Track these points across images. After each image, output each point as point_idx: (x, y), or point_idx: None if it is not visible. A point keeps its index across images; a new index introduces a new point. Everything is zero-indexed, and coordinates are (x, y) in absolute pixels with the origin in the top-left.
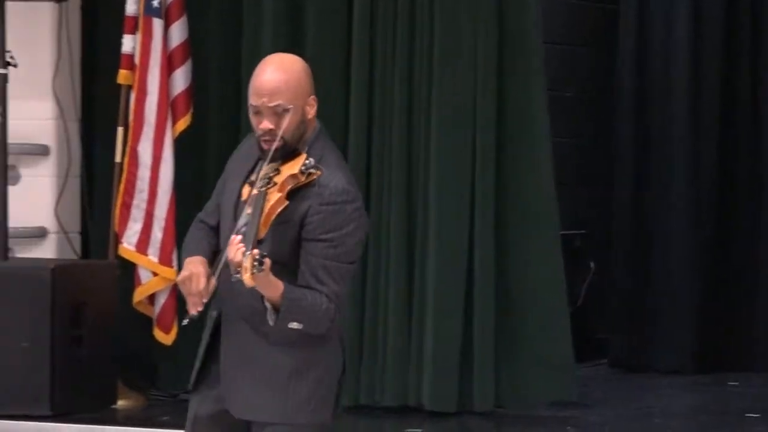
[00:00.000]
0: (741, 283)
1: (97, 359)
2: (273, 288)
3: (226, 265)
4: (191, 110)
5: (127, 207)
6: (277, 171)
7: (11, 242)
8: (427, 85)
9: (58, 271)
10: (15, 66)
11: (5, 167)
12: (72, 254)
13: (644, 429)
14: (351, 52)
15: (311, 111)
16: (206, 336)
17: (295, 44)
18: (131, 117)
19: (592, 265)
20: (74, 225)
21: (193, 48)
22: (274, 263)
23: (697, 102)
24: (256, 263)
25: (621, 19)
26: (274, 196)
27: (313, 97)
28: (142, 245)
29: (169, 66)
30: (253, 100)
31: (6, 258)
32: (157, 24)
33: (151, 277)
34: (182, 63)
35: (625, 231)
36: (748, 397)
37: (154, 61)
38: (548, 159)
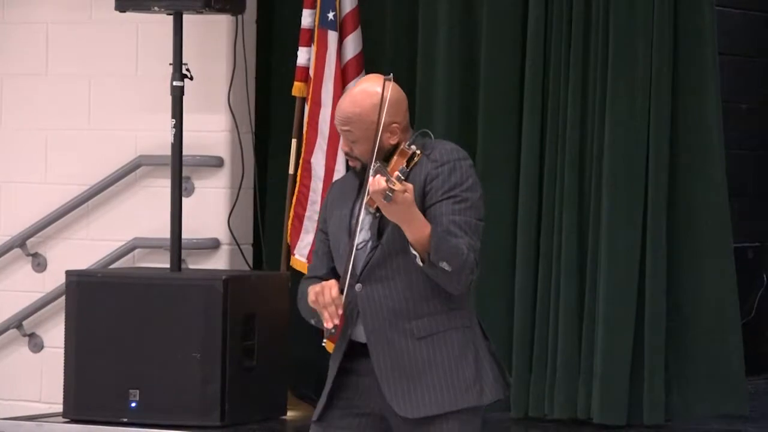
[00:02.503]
0: None
1: (268, 370)
2: (420, 222)
3: (353, 280)
4: None
5: (299, 219)
6: (381, 163)
7: (184, 253)
8: (601, 96)
9: (230, 282)
10: (191, 78)
11: (180, 179)
12: (244, 266)
13: None
14: (524, 63)
15: (393, 138)
16: (338, 359)
17: (470, 52)
18: (305, 129)
19: (765, 277)
20: (247, 237)
21: (367, 59)
22: (399, 251)
23: None
24: (401, 174)
25: None
26: (391, 164)
27: (396, 125)
28: None
29: (343, 78)
30: (335, 122)
31: (179, 269)
32: (332, 36)
33: None
34: (356, 75)
35: None
36: None
37: (329, 73)
38: (721, 171)
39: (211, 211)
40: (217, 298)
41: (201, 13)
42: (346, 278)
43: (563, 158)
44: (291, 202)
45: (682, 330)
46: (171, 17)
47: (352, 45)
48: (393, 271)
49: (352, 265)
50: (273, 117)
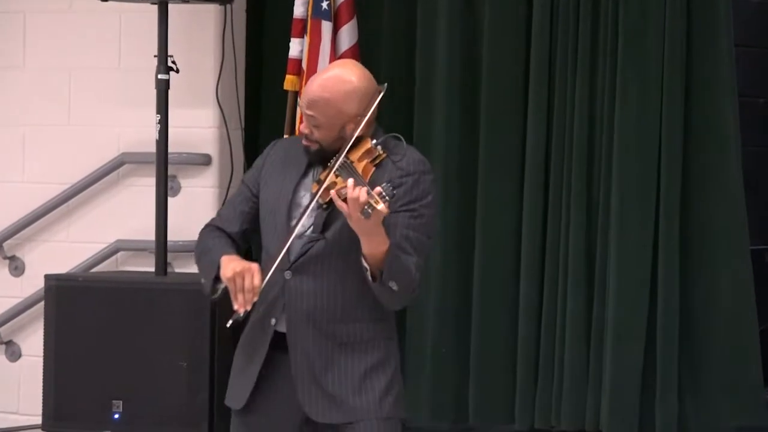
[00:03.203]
0: None
1: None
2: (382, 237)
3: (283, 265)
4: None
5: None
6: (347, 158)
7: (170, 256)
8: (610, 90)
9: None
10: (176, 71)
11: (165, 177)
12: None
13: None
14: (529, 58)
15: (355, 130)
16: (264, 346)
17: (471, 44)
18: (297, 125)
19: None
20: None
21: (363, 50)
22: (341, 251)
23: None
24: (386, 193)
25: None
26: (360, 165)
27: (361, 117)
28: None
29: None
30: (300, 101)
31: (165, 273)
32: (326, 27)
33: None
34: None
35: None
36: None
37: (323, 65)
38: (738, 169)
39: (199, 211)
40: (205, 304)
41: (187, 2)
42: (273, 263)
43: (570, 159)
44: None
45: (696, 338)
46: (156, 7)
47: (348, 36)
48: (328, 268)
49: (287, 250)
50: (263, 112)
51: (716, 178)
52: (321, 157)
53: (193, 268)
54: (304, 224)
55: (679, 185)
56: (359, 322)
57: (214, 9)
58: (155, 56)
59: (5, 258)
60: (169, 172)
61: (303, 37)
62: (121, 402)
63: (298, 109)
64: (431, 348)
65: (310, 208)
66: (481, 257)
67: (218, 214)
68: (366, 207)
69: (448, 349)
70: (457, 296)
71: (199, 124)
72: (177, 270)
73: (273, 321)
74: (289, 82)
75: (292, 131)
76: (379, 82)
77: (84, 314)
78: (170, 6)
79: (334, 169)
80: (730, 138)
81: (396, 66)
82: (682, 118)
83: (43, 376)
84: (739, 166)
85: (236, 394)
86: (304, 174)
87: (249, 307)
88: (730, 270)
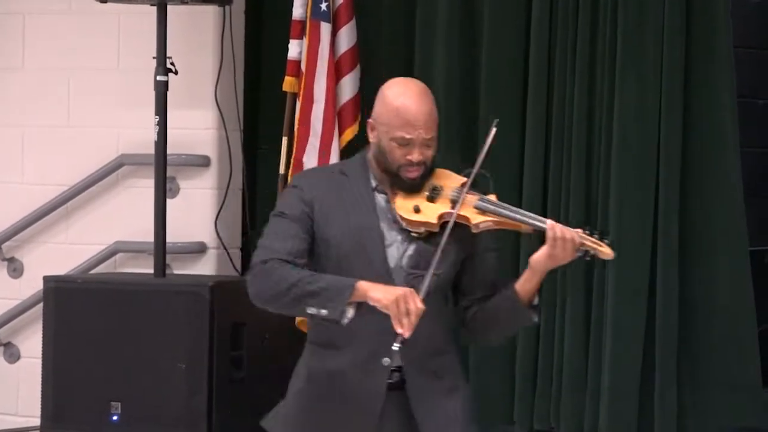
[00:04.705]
0: None
1: (258, 381)
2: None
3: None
4: (359, 119)
5: None
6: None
7: (169, 258)
8: (609, 90)
9: (217, 288)
10: (175, 73)
11: (164, 179)
12: (232, 271)
13: None
14: (528, 56)
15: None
16: (380, 386)
17: (470, 44)
18: (296, 126)
19: None
20: (235, 240)
21: (363, 52)
22: (443, 286)
23: None
24: (591, 233)
25: None
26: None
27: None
28: None
29: (336, 73)
30: (407, 132)
31: (163, 275)
32: (325, 28)
33: None
34: (351, 69)
35: None
36: None
37: (322, 67)
38: (737, 170)
39: (197, 213)
40: (204, 306)
41: (186, 3)
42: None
43: (569, 156)
44: None
45: (695, 339)
46: (154, 8)
47: (347, 37)
48: (433, 302)
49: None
50: (262, 114)
51: (715, 178)
52: (423, 182)
53: (192, 269)
54: (400, 261)
55: (678, 185)
56: (448, 354)
57: (212, 10)
58: (154, 58)
59: (4, 260)
60: (168, 174)
61: (302, 38)
62: (119, 404)
63: (297, 112)
64: None
65: (392, 240)
66: None
67: (272, 248)
68: (588, 249)
69: None
70: None
71: (198, 125)
72: (176, 272)
73: (386, 361)
74: (288, 83)
75: (290, 133)
76: (378, 82)
77: (83, 316)
78: (169, 7)
79: (461, 199)
80: (729, 138)
81: (395, 68)
82: (681, 118)
83: (42, 377)
84: (738, 167)
85: None
86: (374, 207)
87: (410, 332)
88: (728, 270)
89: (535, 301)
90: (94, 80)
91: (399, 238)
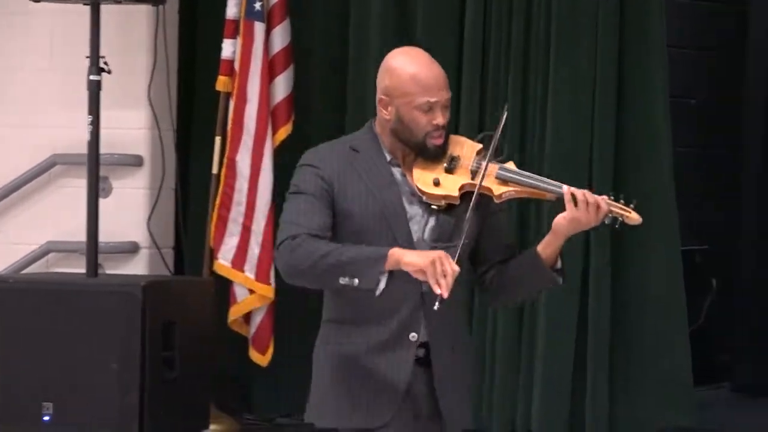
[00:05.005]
0: None
1: (189, 381)
2: None
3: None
4: (293, 118)
5: (223, 221)
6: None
7: (101, 258)
8: (543, 89)
9: (149, 288)
10: (109, 72)
11: (97, 179)
12: (165, 270)
13: None
14: (462, 53)
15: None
16: (407, 362)
17: (404, 42)
18: (230, 126)
19: (714, 282)
20: (168, 240)
21: (296, 51)
22: (465, 257)
23: None
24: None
25: (751, 22)
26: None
27: None
28: (239, 261)
29: (270, 72)
30: (430, 95)
31: (96, 274)
32: (259, 28)
33: (248, 295)
34: (284, 68)
35: (752, 247)
36: None
37: (255, 66)
38: (669, 169)
39: (130, 212)
40: (136, 305)
41: (120, 3)
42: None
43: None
44: (214, 204)
45: (627, 337)
46: (88, 8)
47: (280, 37)
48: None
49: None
50: (196, 113)
51: (647, 178)
52: (446, 147)
53: (124, 269)
54: (422, 233)
55: (611, 181)
56: (462, 326)
57: (146, 10)
58: (87, 57)
59: None
60: (101, 173)
61: (235, 38)
62: (51, 404)
63: (231, 111)
64: None
65: (414, 212)
66: None
67: (298, 223)
68: (618, 216)
69: None
70: None
71: (131, 125)
72: (108, 271)
73: (413, 336)
74: (222, 83)
75: (224, 132)
76: (310, 82)
77: (14, 316)
78: (102, 7)
79: (484, 171)
80: (662, 138)
81: (328, 66)
82: (614, 118)
83: None
84: (670, 165)
85: (372, 413)
86: (392, 181)
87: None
88: (660, 269)
89: (558, 264)
90: (27, 79)
91: (419, 211)
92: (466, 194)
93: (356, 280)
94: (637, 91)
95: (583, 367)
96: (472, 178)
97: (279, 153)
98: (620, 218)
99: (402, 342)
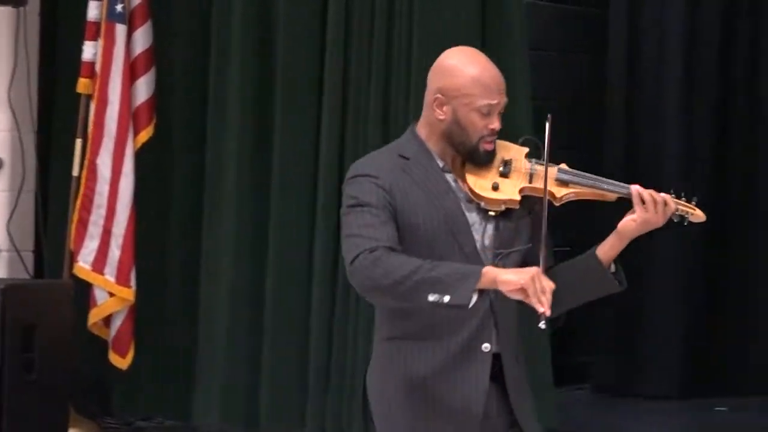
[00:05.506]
0: (729, 306)
1: (49, 385)
2: None
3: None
4: (154, 121)
5: (83, 224)
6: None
7: None
8: (404, 92)
9: (8, 291)
10: None
11: None
12: (24, 273)
13: None
14: (324, 55)
15: None
16: (483, 374)
17: (266, 45)
18: (90, 128)
19: None
20: (27, 243)
21: (157, 54)
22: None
23: (690, 114)
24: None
25: (611, 25)
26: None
27: None
28: (99, 264)
29: (131, 74)
30: (491, 98)
31: None
32: (120, 30)
33: (108, 298)
34: (146, 71)
35: None
36: (736, 422)
37: (116, 68)
38: None
39: None
40: None
41: None
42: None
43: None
44: (75, 206)
45: None
46: None
47: (142, 39)
48: None
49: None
50: (57, 115)
51: None
52: (494, 155)
53: None
54: (478, 238)
55: None
56: (519, 334)
57: (6, 12)
58: None
59: None
60: None
61: (97, 40)
62: None
63: (92, 114)
64: (223, 349)
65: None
66: (274, 259)
67: (371, 237)
68: (683, 214)
69: (240, 351)
70: (249, 300)
71: None
72: None
73: (486, 347)
74: (83, 85)
75: (84, 134)
76: (174, 84)
77: None
78: None
79: (546, 173)
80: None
81: (190, 69)
82: None
83: None
84: None
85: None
86: (449, 188)
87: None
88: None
89: (612, 268)
90: None
91: (477, 218)
92: (524, 198)
93: (447, 297)
94: None
95: None
96: (530, 182)
97: (140, 156)
98: (687, 216)
99: (475, 354)
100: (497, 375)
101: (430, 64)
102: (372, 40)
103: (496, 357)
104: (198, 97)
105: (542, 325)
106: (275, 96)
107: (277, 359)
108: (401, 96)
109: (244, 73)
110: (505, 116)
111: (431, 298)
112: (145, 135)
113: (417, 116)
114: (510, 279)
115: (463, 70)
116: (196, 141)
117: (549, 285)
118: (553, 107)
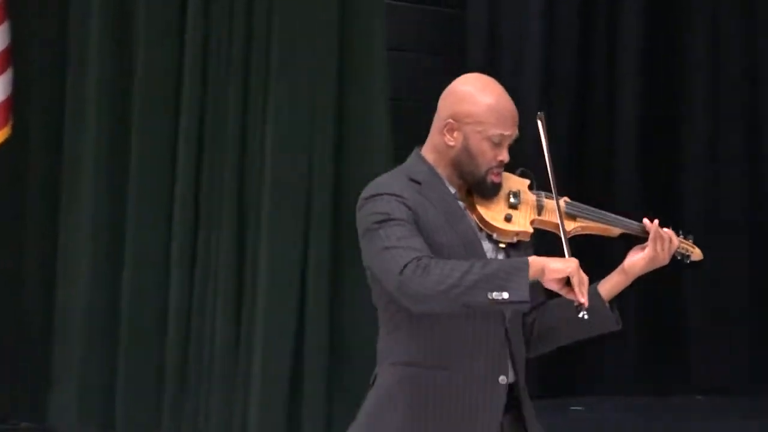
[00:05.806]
0: None
1: None
2: None
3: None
4: (11, 122)
5: None
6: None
7: None
8: (263, 91)
9: None
10: None
11: None
12: None
13: None
14: (183, 56)
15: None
16: (495, 409)
17: (124, 46)
18: None
19: None
20: None
21: (15, 54)
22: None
23: (549, 113)
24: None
25: (469, 25)
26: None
27: None
28: None
29: None
30: (504, 129)
31: None
32: None
33: None
34: (3, 70)
35: None
36: (592, 422)
37: None
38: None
39: None
40: None
41: None
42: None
43: (221, 166)
44: None
45: (346, 338)
46: None
47: (0, 39)
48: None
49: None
50: None
51: (369, 180)
52: (499, 187)
53: None
54: None
55: (331, 190)
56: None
57: None
58: None
59: None
60: None
61: None
62: None
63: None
64: (79, 351)
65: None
66: (131, 261)
67: (412, 247)
68: (684, 252)
69: (97, 352)
70: (105, 301)
71: None
72: None
73: (503, 379)
74: None
75: None
76: (31, 85)
77: None
78: None
79: (558, 207)
80: (383, 142)
81: (47, 70)
82: (334, 121)
83: None
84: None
85: None
86: (464, 215)
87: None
88: None
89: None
90: None
91: (490, 246)
92: (534, 231)
93: (505, 294)
94: (357, 97)
95: (301, 375)
96: (539, 214)
97: None
98: (689, 254)
99: (492, 386)
100: (510, 406)
101: (289, 62)
102: (231, 40)
103: (511, 387)
104: (56, 97)
105: (584, 315)
106: (133, 97)
107: (133, 360)
108: (260, 96)
109: (102, 74)
110: (362, 115)
111: (491, 295)
112: (1, 136)
113: (274, 118)
114: (559, 267)
115: (479, 97)
116: (53, 142)
117: (587, 277)
118: (410, 107)
